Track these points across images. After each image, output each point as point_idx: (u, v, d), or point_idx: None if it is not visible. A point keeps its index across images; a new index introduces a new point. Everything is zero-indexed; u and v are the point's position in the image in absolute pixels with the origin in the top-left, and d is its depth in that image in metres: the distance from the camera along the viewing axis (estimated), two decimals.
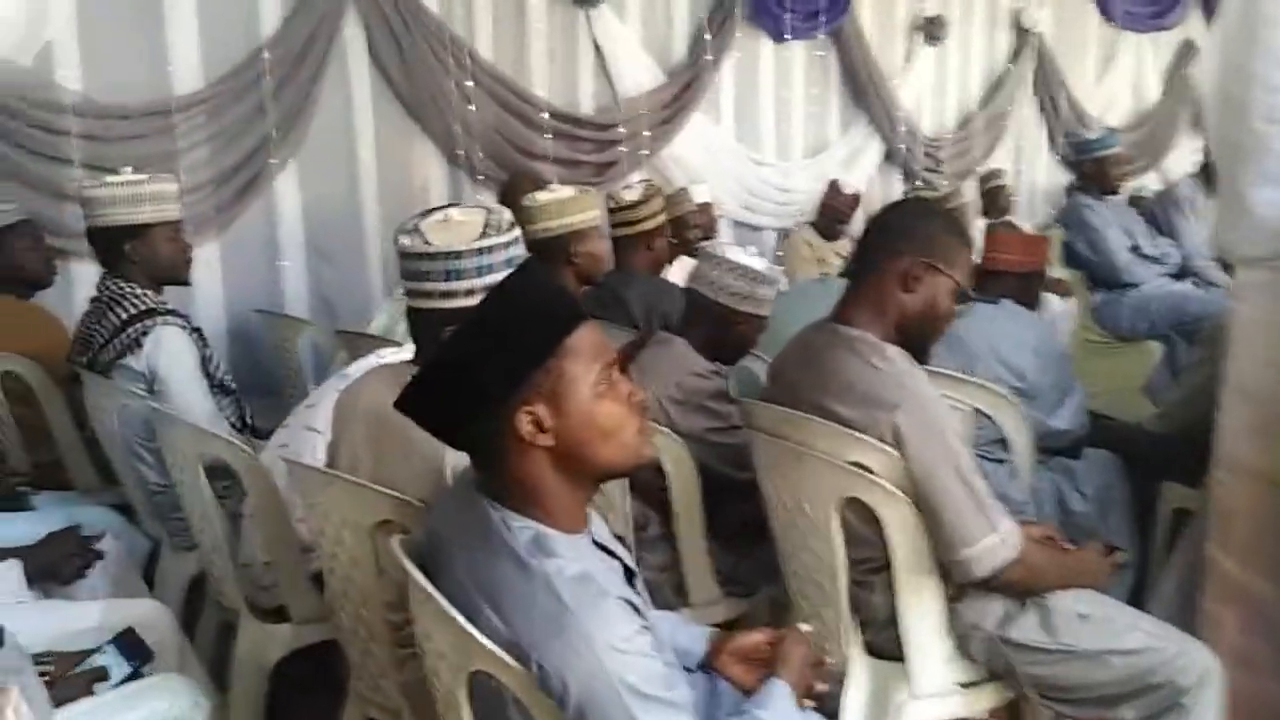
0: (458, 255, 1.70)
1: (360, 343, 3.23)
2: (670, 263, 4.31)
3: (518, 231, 1.78)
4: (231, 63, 3.84)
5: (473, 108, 4.46)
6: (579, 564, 1.26)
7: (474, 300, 1.71)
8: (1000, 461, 2.65)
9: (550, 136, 4.75)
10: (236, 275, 3.95)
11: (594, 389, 1.30)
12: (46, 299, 3.25)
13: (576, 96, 4.97)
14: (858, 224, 6.13)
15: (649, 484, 2.27)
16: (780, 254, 5.90)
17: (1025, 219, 7.39)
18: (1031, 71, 7.43)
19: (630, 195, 3.41)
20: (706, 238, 4.97)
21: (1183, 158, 7.85)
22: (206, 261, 3.85)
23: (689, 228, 4.63)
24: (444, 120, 4.41)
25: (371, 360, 2.30)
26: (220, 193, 3.85)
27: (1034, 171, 7.76)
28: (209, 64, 3.79)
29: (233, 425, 2.75)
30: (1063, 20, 7.64)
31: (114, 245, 2.67)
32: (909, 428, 1.80)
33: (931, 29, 6.63)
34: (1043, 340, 2.74)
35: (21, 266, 3.13)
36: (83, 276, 3.37)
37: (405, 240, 1.74)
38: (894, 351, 1.89)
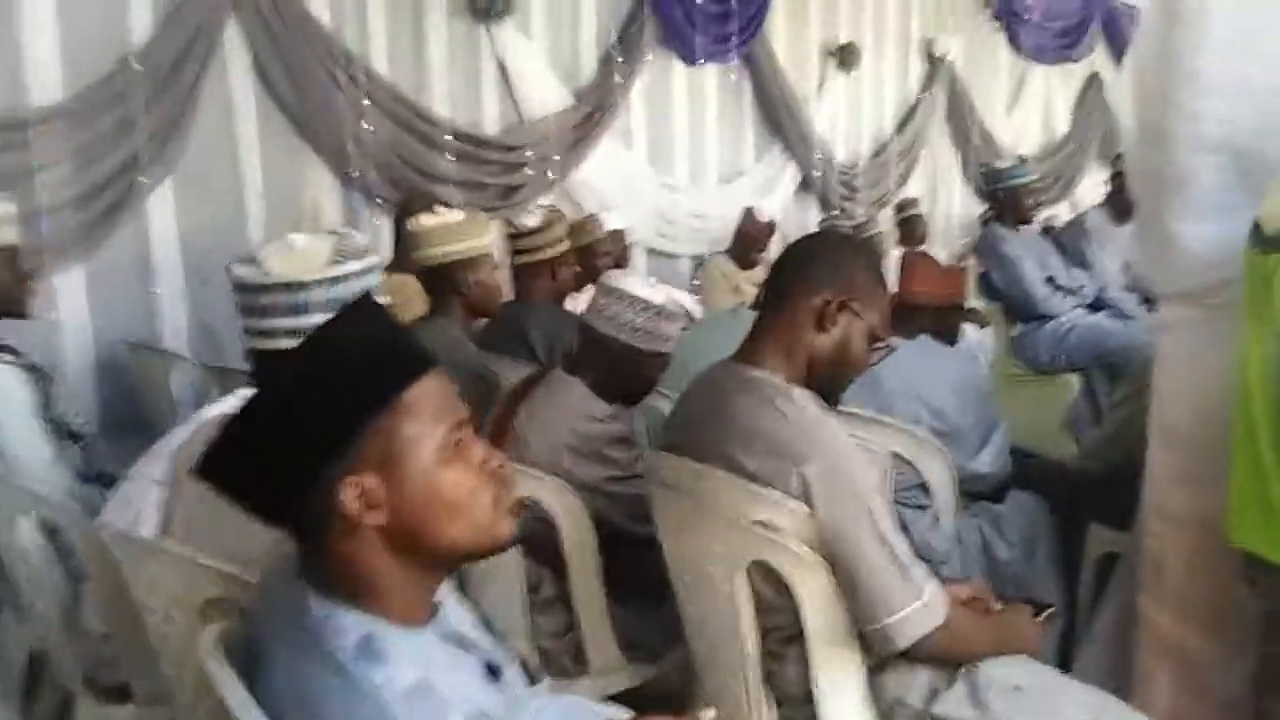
0: (303, 286, 1.48)
1: (235, 379, 2.95)
2: (579, 291, 4.12)
3: (375, 259, 1.56)
4: (97, 73, 3.52)
5: (368, 126, 4.20)
6: (416, 670, 1.04)
7: None
8: (921, 508, 2.50)
9: (452, 158, 4.51)
10: (105, 303, 3.60)
11: (438, 454, 1.08)
12: None
13: (480, 116, 4.74)
14: (774, 252, 6.03)
15: (541, 540, 2.05)
16: (696, 282, 5.75)
17: (941, 248, 7.40)
18: (944, 100, 7.46)
19: (530, 221, 3.20)
20: (618, 266, 4.79)
21: (1093, 188, 7.94)
22: (71, 288, 3.53)
23: (598, 256, 4.43)
24: (336, 138, 4.15)
25: (229, 402, 2.03)
26: (84, 213, 3.51)
27: (949, 201, 7.77)
28: (71, 73, 3.46)
29: (78, 473, 2.44)
30: (973, 50, 7.70)
31: None
32: (820, 482, 1.61)
33: (844, 55, 6.59)
34: (963, 377, 2.60)
35: None
36: None
37: (241, 271, 1.51)
38: (802, 396, 1.71)
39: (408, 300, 3.46)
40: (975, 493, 2.67)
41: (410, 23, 4.42)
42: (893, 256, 6.69)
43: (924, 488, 2.50)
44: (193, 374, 3.21)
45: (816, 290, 1.74)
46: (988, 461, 2.62)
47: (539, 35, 4.94)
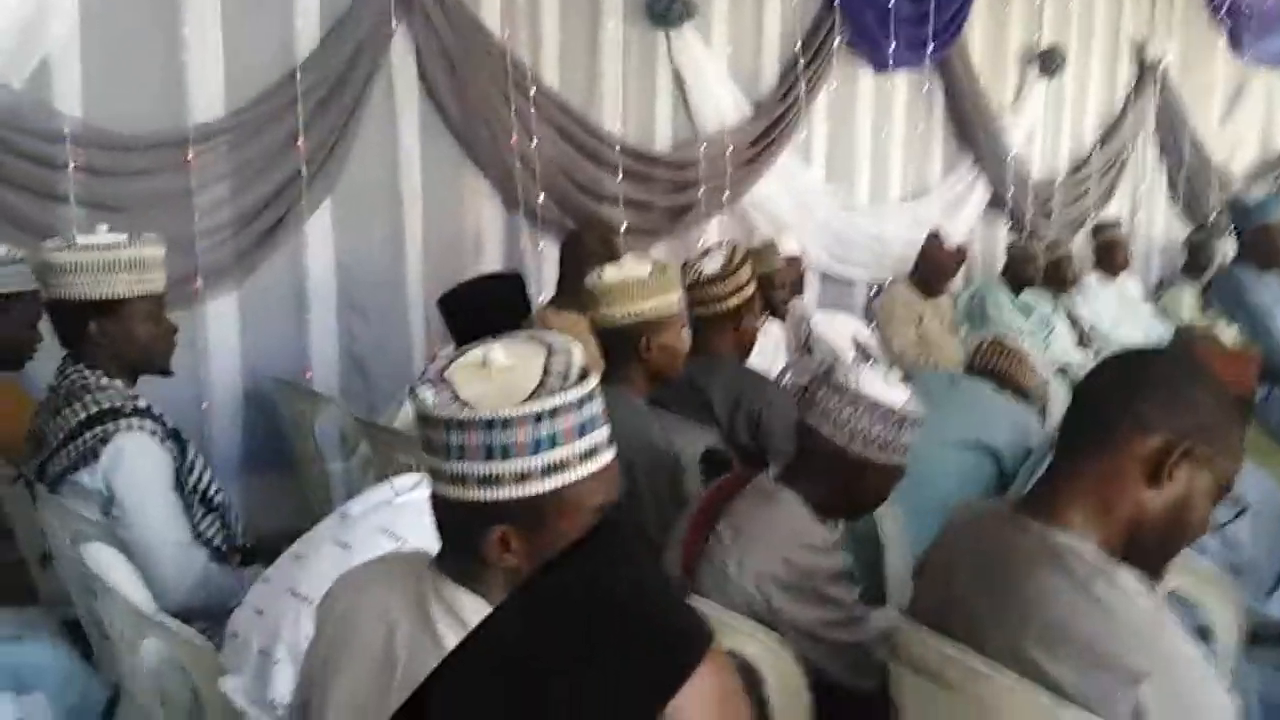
0: (505, 424, 1.12)
1: (381, 437, 2.69)
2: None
3: (592, 383, 1.19)
4: (260, 87, 3.31)
5: (535, 142, 3.90)
6: None
7: (527, 489, 1.14)
8: None
9: (621, 177, 4.17)
10: (257, 332, 3.41)
11: None
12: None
13: (652, 131, 4.39)
14: (958, 281, 5.50)
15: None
16: (873, 309, 5.27)
17: (1141, 275, 6.68)
18: (1153, 109, 6.71)
19: (712, 266, 2.80)
20: (795, 294, 4.38)
21: None
22: (223, 316, 3.35)
23: (775, 287, 4.03)
24: (501, 156, 3.86)
25: (381, 518, 1.73)
26: (240, 238, 3.32)
27: (1151, 222, 7.02)
28: (233, 88, 3.27)
29: (216, 550, 2.20)
30: (1187, 54, 6.91)
31: (77, 323, 2.14)
32: (1160, 711, 1.18)
33: (1046, 60, 5.97)
34: (1265, 497, 2.08)
35: (11, 340, 2.63)
36: None
37: (430, 396, 1.16)
38: (1129, 579, 1.27)
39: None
40: (1262, 636, 2.15)
41: (584, 29, 4.10)
42: (1088, 284, 6.05)
43: (1202, 631, 2.02)
44: (340, 420, 2.96)
45: (1148, 430, 1.30)
46: None
47: (720, 41, 4.55)
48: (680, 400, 2.75)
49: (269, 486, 3.26)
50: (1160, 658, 1.20)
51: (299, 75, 3.34)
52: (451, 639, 1.15)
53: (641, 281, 2.30)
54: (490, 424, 1.13)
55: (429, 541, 1.48)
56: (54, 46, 2.97)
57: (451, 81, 3.71)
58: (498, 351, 1.21)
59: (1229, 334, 2.31)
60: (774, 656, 1.65)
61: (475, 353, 1.22)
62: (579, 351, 1.23)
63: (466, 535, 1.18)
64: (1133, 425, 1.31)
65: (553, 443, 1.15)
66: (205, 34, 3.20)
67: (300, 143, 3.34)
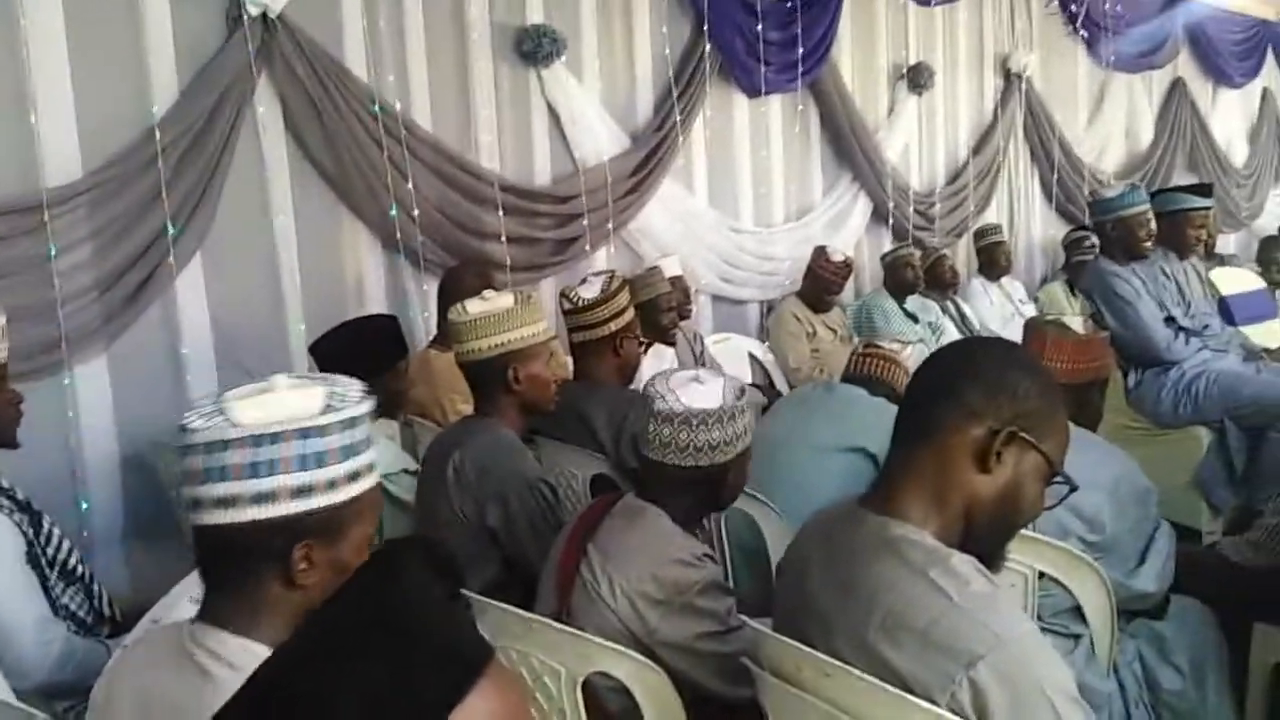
0: (274, 439, 1.15)
1: None
2: (643, 355, 3.74)
3: (364, 409, 1.22)
4: (118, 145, 3.23)
5: (411, 186, 3.88)
6: None
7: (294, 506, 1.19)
8: (1074, 636, 2.07)
9: (503, 213, 4.17)
10: (131, 395, 3.30)
11: None
12: None
13: (531, 167, 4.41)
14: (848, 294, 5.62)
15: (619, 715, 1.66)
16: (766, 328, 5.36)
17: (1022, 276, 6.93)
18: (1021, 118, 6.99)
19: (588, 293, 2.83)
20: (683, 317, 4.42)
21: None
22: (93, 381, 3.24)
23: (663, 311, 4.05)
24: (378, 201, 3.83)
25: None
26: (107, 299, 3.22)
27: (1030, 225, 7.28)
28: (89, 150, 3.17)
29: (81, 622, 2.12)
30: (1050, 63, 7.23)
31: None
32: (998, 690, 1.21)
33: (915, 76, 6.17)
34: (1118, 474, 2.16)
35: None
36: None
37: (200, 422, 1.17)
38: (964, 564, 1.30)
39: (459, 384, 3.12)
40: (1133, 610, 2.23)
41: (454, 70, 4.11)
42: (974, 287, 6.25)
43: (1077, 611, 2.08)
44: None
45: (975, 416, 1.34)
46: (1152, 577, 2.18)
47: (591, 75, 4.60)
48: (565, 428, 2.76)
49: (154, 551, 3.15)
50: (994, 638, 1.23)
51: (158, 131, 3.27)
52: (224, 681, 1.14)
53: (504, 312, 2.29)
54: (258, 440, 1.14)
55: None
56: None
57: (320, 129, 3.67)
58: (282, 379, 1.22)
59: (1077, 321, 2.39)
60: (647, 676, 1.65)
61: (257, 385, 1.23)
62: (358, 387, 1.26)
63: (240, 565, 1.20)
64: (959, 414, 1.34)
65: (318, 458, 1.19)
66: (55, 93, 3.11)
67: (164, 198, 3.27)
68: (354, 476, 1.22)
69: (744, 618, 1.77)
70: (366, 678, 0.69)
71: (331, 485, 1.20)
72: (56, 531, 2.12)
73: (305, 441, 1.17)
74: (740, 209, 5.37)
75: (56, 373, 3.12)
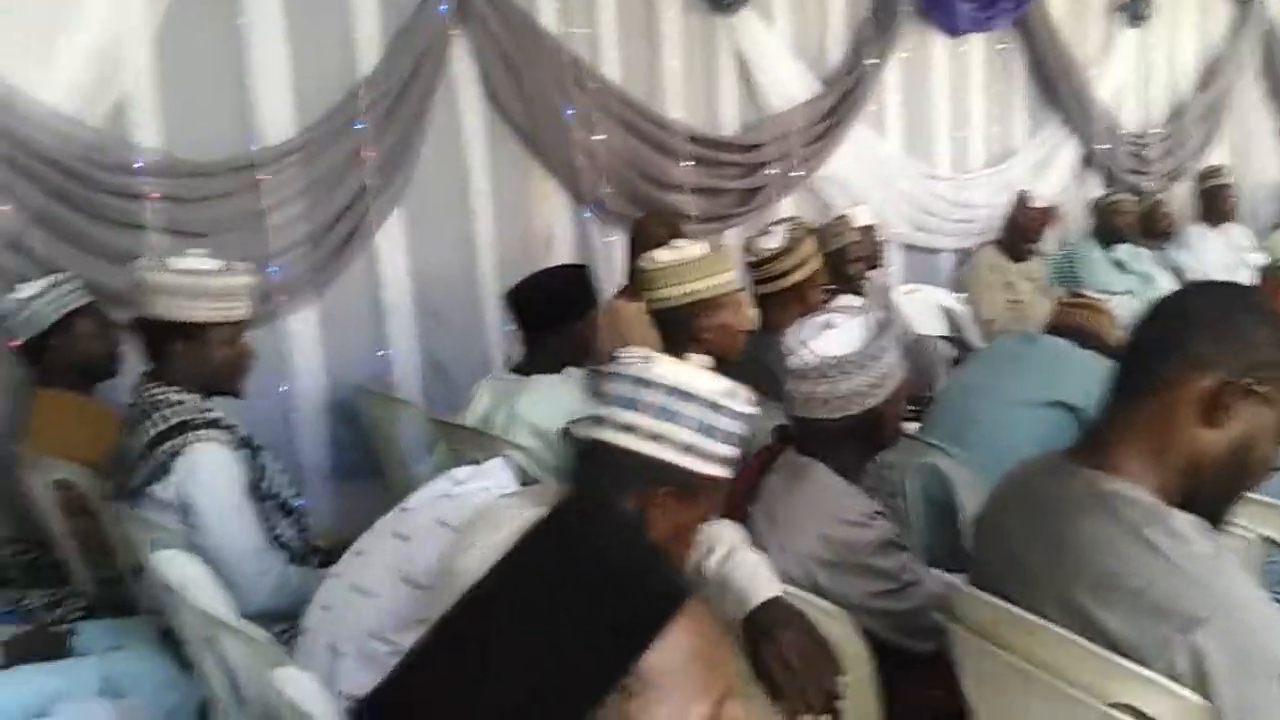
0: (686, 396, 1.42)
1: (458, 435, 2.72)
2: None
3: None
4: (326, 105, 3.40)
5: (600, 137, 3.91)
6: None
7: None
8: None
9: (689, 163, 4.15)
10: (338, 343, 3.50)
11: None
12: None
13: (717, 116, 4.35)
14: (1050, 242, 5.30)
15: None
16: (960, 279, 5.13)
17: (1247, 222, 6.34)
18: (1255, 50, 6.35)
19: (770, 244, 2.77)
20: (872, 268, 4.28)
21: None
22: (305, 329, 3.45)
23: (850, 261, 3.93)
24: (566, 153, 3.88)
25: (439, 510, 1.75)
26: (316, 252, 3.42)
27: (1262, 168, 6.64)
28: (301, 109, 3.36)
29: (294, 552, 2.27)
30: None
31: (160, 341, 2.24)
32: (1220, 656, 1.11)
33: (1134, 8, 5.71)
34: None
35: (83, 356, 2.78)
36: None
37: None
38: (1185, 524, 1.20)
39: (643, 335, 3.13)
40: None
41: (643, 22, 4.09)
42: (1191, 235, 5.76)
43: None
44: (420, 423, 3.02)
45: (1202, 366, 1.22)
46: None
47: (781, 19, 4.48)
48: (745, 379, 2.72)
49: (357, 492, 3.33)
50: (1217, 602, 1.13)
51: (362, 90, 3.42)
52: None
53: (695, 261, 2.28)
54: (672, 391, 1.39)
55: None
56: (130, 83, 3.10)
57: (512, 83, 3.74)
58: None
59: None
60: (830, 622, 1.61)
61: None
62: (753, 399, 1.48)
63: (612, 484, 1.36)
64: (1186, 363, 1.23)
65: (710, 433, 1.40)
66: (272, 57, 3.29)
67: (367, 155, 3.42)
68: (725, 461, 1.42)
69: (939, 572, 1.71)
70: (564, 605, 0.69)
71: (710, 457, 1.39)
72: (275, 467, 2.27)
73: (710, 412, 1.38)
74: (935, 154, 5.15)
75: (270, 321, 3.32)
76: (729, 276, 2.34)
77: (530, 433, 2.53)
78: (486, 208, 3.76)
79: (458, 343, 3.71)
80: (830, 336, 1.79)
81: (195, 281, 2.22)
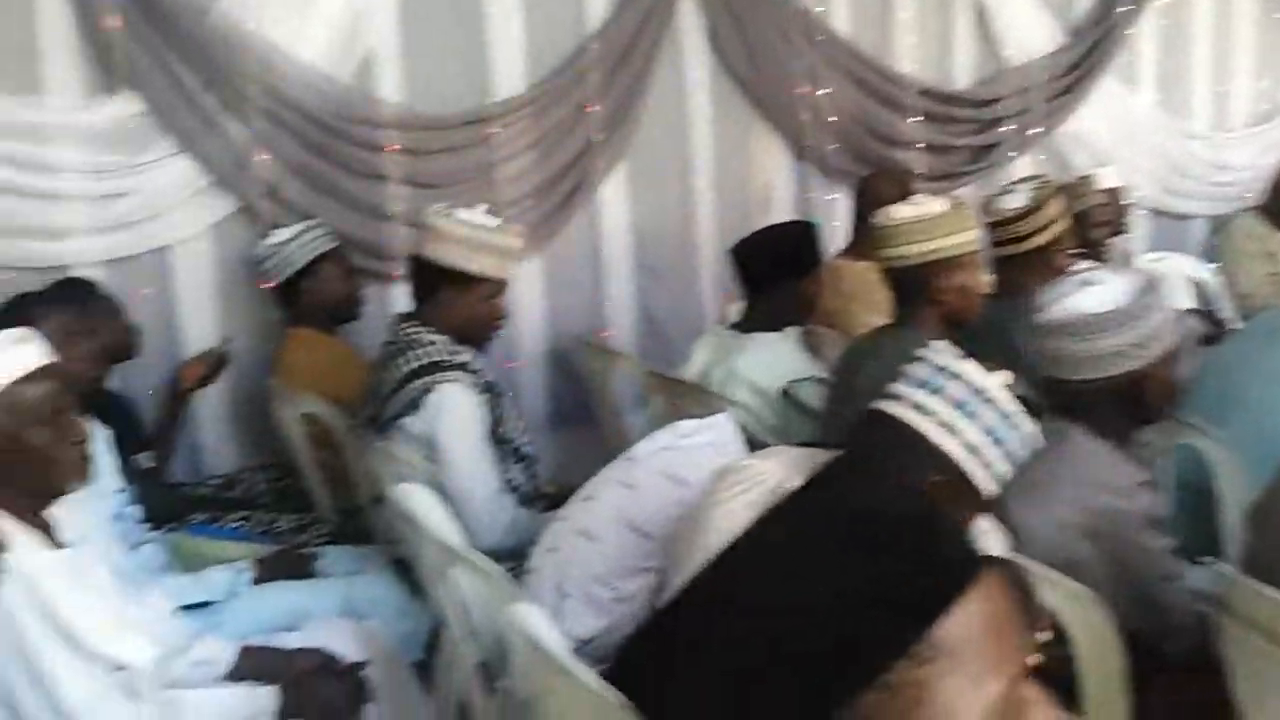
0: None
1: (675, 389, 2.73)
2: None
3: None
4: (556, 60, 3.46)
5: (826, 91, 3.79)
6: None
7: None
8: None
9: (918, 119, 3.97)
10: (559, 295, 3.59)
11: None
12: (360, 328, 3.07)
13: (951, 69, 4.14)
14: None
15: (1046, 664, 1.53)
16: (1213, 247, 4.70)
17: None
18: None
19: (1015, 202, 2.60)
20: (1116, 234, 3.98)
21: None
22: (529, 280, 3.54)
23: (1094, 225, 3.67)
24: (792, 108, 3.79)
25: (663, 461, 1.75)
26: (542, 205, 3.49)
27: None
28: (532, 64, 3.43)
29: (523, 495, 2.33)
30: None
31: (430, 284, 2.34)
32: None
33: None
34: None
35: (329, 298, 2.95)
36: (403, 302, 3.13)
37: None
38: None
39: (867, 295, 3.04)
40: None
41: None
42: None
43: None
44: (636, 375, 3.04)
45: None
46: None
47: None
48: (981, 344, 2.58)
49: (572, 440, 3.41)
50: None
51: (590, 45, 3.45)
52: None
53: (936, 218, 2.17)
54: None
55: (705, 483, 1.49)
56: (376, 41, 3.25)
57: (738, 36, 3.68)
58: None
59: None
60: (1081, 607, 1.50)
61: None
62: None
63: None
64: None
65: None
66: (506, 13, 3.37)
67: (592, 110, 3.46)
68: (995, 479, 1.45)
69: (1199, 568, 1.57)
70: (856, 565, 0.66)
71: (987, 466, 1.44)
72: (511, 414, 2.35)
73: (1003, 422, 1.44)
74: (1193, 110, 4.73)
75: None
76: (971, 235, 2.22)
77: (749, 390, 2.50)
78: (707, 163, 3.74)
79: (673, 298, 3.72)
80: (1090, 293, 1.69)
81: (479, 234, 2.32)
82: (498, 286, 2.35)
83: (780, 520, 0.74)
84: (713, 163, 3.74)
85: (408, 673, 2.14)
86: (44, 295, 2.51)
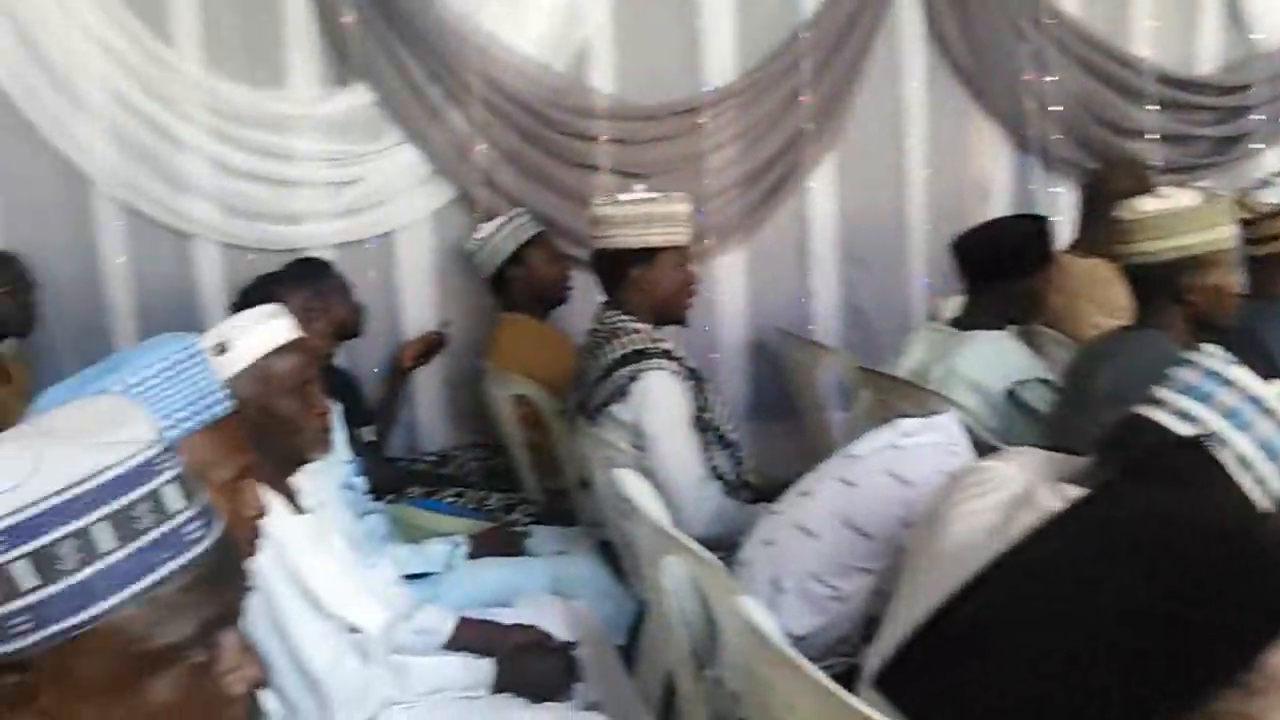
0: None
1: (885, 385, 2.64)
2: None
3: None
4: (768, 48, 3.41)
5: (1052, 78, 3.59)
6: None
7: None
8: None
9: (1154, 107, 3.70)
10: (762, 286, 3.55)
11: None
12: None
13: (1193, 53, 3.83)
14: None
15: None
16: None
17: None
18: None
19: (1271, 197, 2.38)
20: None
21: None
22: (731, 271, 3.52)
23: None
24: (1014, 96, 3.60)
25: (886, 459, 1.69)
26: (748, 195, 3.46)
27: None
28: (743, 53, 3.40)
29: (727, 484, 2.31)
30: None
31: (619, 271, 2.37)
32: None
33: None
34: None
35: (537, 282, 3.03)
36: None
37: None
38: None
39: (1096, 293, 2.86)
40: None
41: None
42: None
43: None
44: (842, 370, 2.97)
45: None
46: None
47: None
48: (1231, 349, 2.38)
49: (772, 433, 3.36)
50: None
51: (804, 33, 3.38)
52: None
53: (1189, 212, 2.01)
54: None
55: (932, 484, 1.43)
56: (591, 31, 3.30)
57: (961, 21, 3.53)
58: None
59: None
60: None
61: None
62: None
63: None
64: None
65: None
66: (719, 2, 3.35)
67: (804, 100, 3.39)
68: (1270, 498, 1.32)
69: None
70: (1177, 585, 0.60)
71: (1261, 482, 1.30)
72: (716, 400, 2.33)
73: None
74: None
75: (701, 262, 3.41)
76: (1226, 231, 2.03)
77: (969, 389, 2.39)
78: (921, 154, 3.60)
79: (881, 291, 3.61)
80: None
81: (645, 209, 2.37)
82: (679, 254, 2.37)
83: (1082, 531, 0.68)
84: (927, 153, 3.60)
85: (614, 654, 2.16)
86: (285, 274, 2.67)
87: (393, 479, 2.83)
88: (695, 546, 1.60)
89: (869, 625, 1.76)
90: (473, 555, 2.40)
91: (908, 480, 1.71)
